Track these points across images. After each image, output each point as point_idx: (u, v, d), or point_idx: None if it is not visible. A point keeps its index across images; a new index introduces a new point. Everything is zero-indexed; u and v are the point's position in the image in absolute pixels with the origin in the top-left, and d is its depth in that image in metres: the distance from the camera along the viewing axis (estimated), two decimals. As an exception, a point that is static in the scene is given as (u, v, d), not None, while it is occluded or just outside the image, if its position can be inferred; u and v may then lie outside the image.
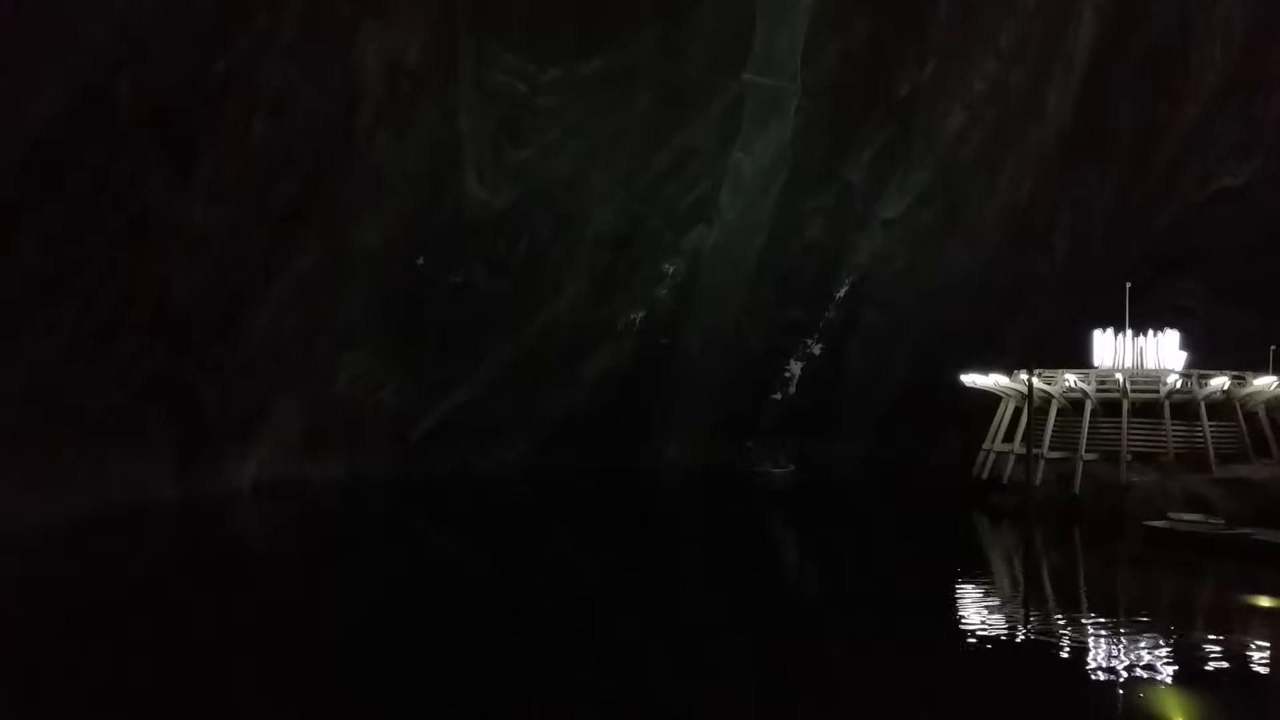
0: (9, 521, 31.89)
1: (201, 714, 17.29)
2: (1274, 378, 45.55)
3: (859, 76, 58.59)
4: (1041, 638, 22.93)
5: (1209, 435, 43.64)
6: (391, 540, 38.99)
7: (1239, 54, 61.52)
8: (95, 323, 34.94)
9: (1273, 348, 49.69)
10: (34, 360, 33.19)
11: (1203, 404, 44.14)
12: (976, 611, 26.34)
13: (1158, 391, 44.69)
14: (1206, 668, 20.14)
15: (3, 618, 24.25)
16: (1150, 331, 49.23)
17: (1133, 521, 38.75)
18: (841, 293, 66.47)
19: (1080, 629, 24.01)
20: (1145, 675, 19.64)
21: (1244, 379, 45.35)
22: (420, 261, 50.93)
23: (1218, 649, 21.66)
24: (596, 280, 57.48)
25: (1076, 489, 43.70)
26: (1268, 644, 22.33)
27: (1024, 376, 45.56)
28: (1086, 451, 44.26)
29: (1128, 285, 48.62)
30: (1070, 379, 45.55)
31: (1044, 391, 45.98)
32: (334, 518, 43.91)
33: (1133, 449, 43.99)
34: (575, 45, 50.01)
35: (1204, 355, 50.66)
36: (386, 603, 26.98)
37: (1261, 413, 46.48)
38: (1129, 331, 49.03)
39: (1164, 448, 43.93)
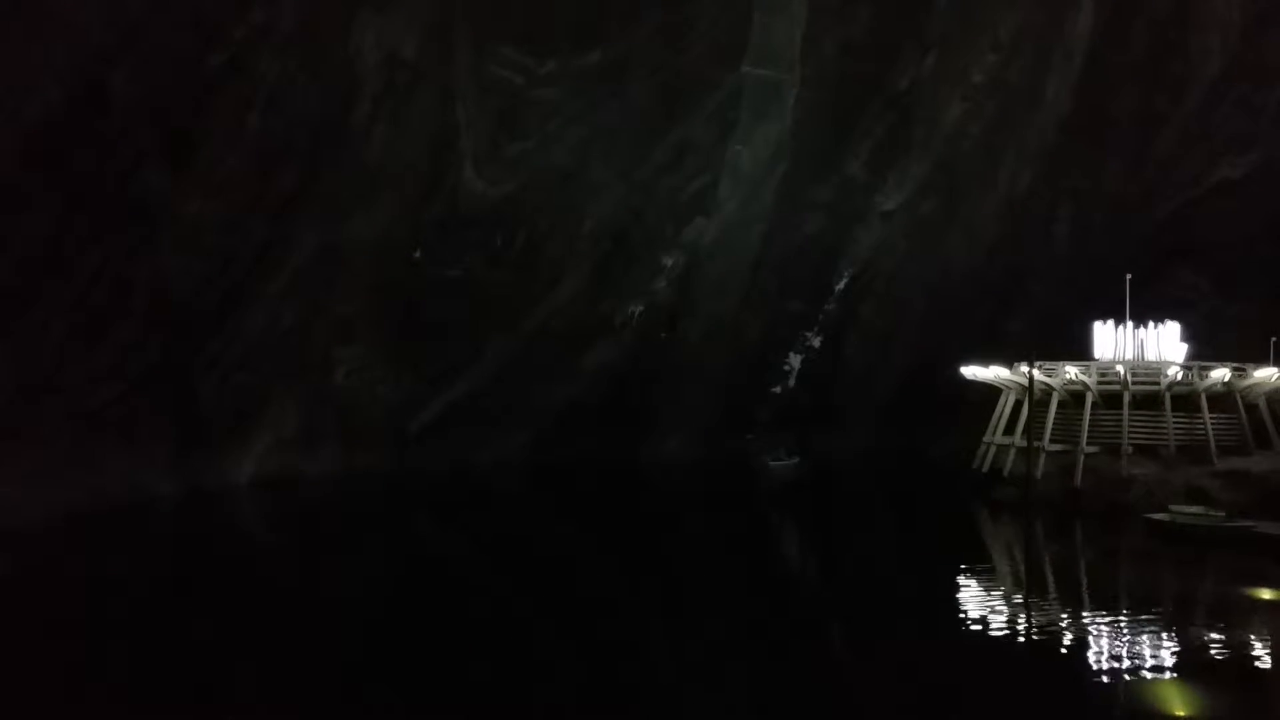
0: (5, 515, 31.74)
1: (199, 711, 17.17)
2: (1275, 369, 45.45)
3: (858, 68, 58.38)
4: (1043, 631, 22.83)
5: (1210, 427, 43.55)
6: (390, 535, 38.86)
7: (1238, 45, 61.32)
8: (91, 315, 34.76)
9: (1273, 339, 49.56)
10: (30, 353, 33.02)
11: (1203, 396, 44.04)
12: (978, 605, 26.26)
13: (1158, 383, 44.58)
14: (1208, 660, 20.04)
15: (3, 614, 24.12)
16: (1151, 323, 49.12)
17: (1134, 514, 38.67)
18: (841, 285, 66.36)
19: (1081, 621, 23.91)
20: (1147, 668, 19.55)
21: (1245, 370, 45.24)
22: (418, 254, 50.72)
23: (1219, 641, 21.56)
24: (595, 273, 57.31)
25: (1077, 481, 43.61)
26: (1269, 636, 22.24)
27: (1024, 369, 45.44)
28: (1087, 444, 44.16)
29: (1128, 277, 48.48)
30: (1071, 371, 45.44)
31: (1045, 384, 45.86)
32: (332, 512, 43.77)
33: (1134, 441, 43.90)
34: (573, 37, 49.77)
35: (1205, 347, 50.55)
36: (385, 599, 26.86)
37: (1262, 404, 46.38)
38: (1129, 323, 48.91)
39: (1165, 440, 43.83)
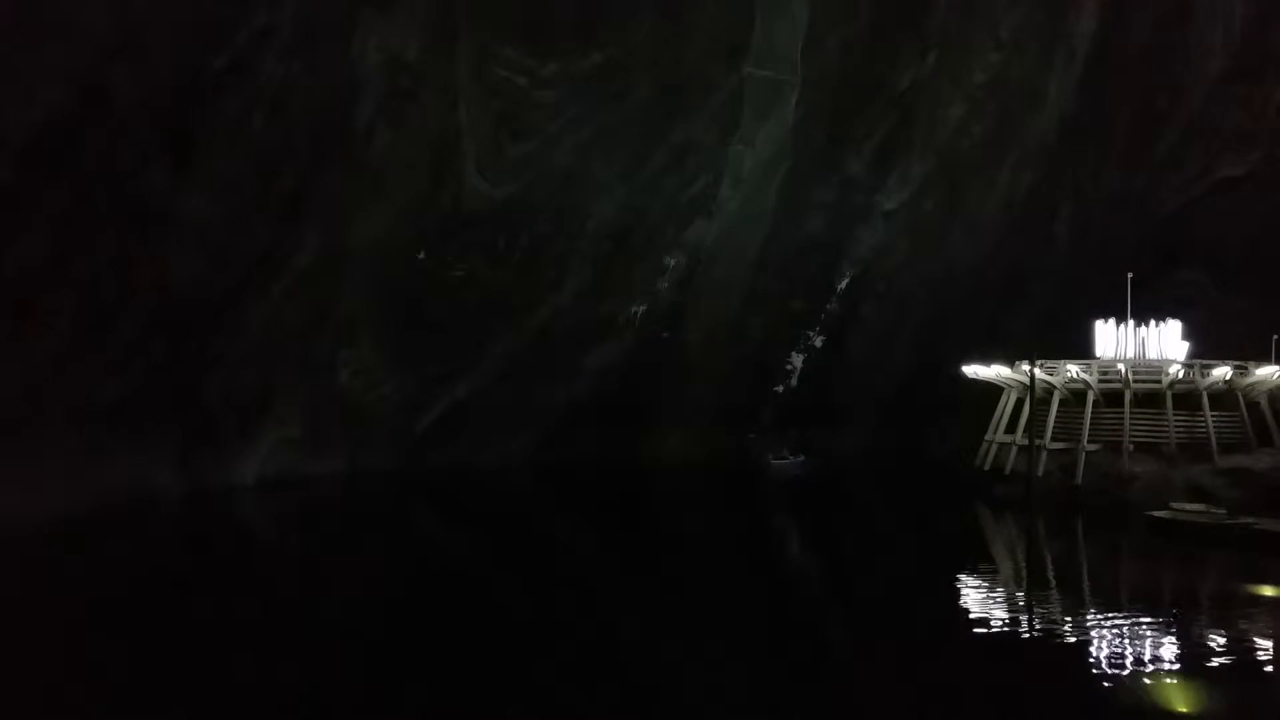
0: (9, 516, 31.89)
1: (203, 709, 17.30)
2: (1276, 367, 45.51)
3: (860, 67, 58.51)
4: (1044, 628, 22.92)
5: (1211, 425, 43.62)
6: (395, 534, 38.98)
7: (1240, 42, 61.40)
8: (95, 315, 34.93)
9: (1275, 337, 49.62)
10: (34, 352, 33.19)
11: (1205, 394, 44.12)
12: (979, 602, 26.34)
13: (1160, 381, 44.64)
14: (1209, 657, 20.11)
15: (3, 615, 24.26)
16: (1152, 321, 49.18)
17: (1135, 512, 38.71)
18: (843, 284, 66.48)
19: (1082, 619, 23.98)
20: (1148, 665, 19.63)
21: (1246, 368, 45.30)
22: (421, 255, 50.88)
23: (1220, 638, 21.63)
24: (598, 273, 57.44)
25: (1079, 479, 43.69)
26: (1271, 633, 22.31)
27: (1026, 367, 45.52)
28: (1089, 442, 44.25)
29: (1129, 275, 48.55)
30: (1072, 369, 45.52)
31: (1046, 382, 45.94)
32: (337, 512, 43.92)
33: (1135, 439, 43.98)
34: (574, 38, 49.90)
35: (1206, 345, 50.61)
36: (389, 599, 26.97)
37: (1264, 402, 46.46)
38: (1131, 322, 48.98)
39: (1166, 438, 43.90)
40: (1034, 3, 59.62)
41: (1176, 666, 19.46)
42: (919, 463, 65.07)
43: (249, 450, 46.61)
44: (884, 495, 55.22)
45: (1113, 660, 20.02)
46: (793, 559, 35.27)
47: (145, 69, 33.11)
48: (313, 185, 42.95)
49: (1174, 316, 50.13)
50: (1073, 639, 21.76)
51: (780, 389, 69.04)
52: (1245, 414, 45.48)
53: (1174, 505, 37.48)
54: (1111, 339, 49.33)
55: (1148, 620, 23.78)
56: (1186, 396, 44.69)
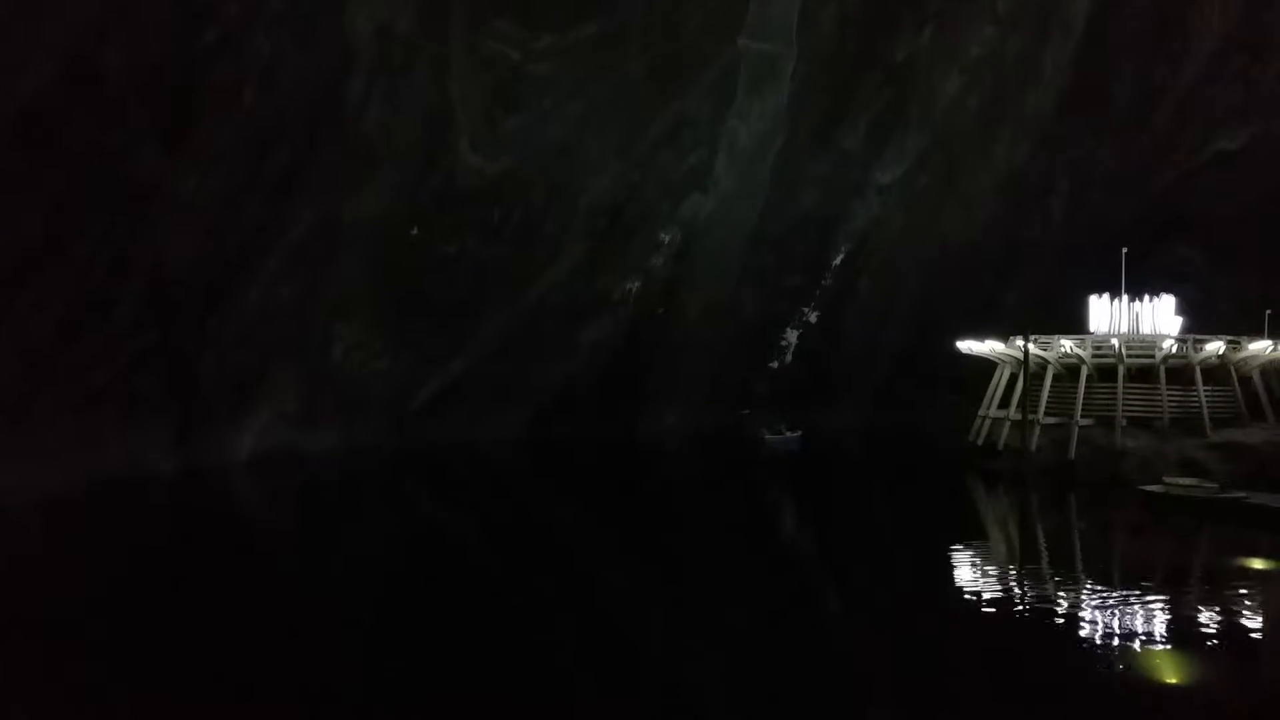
0: (5, 494, 31.89)
1: (199, 694, 17.36)
2: (1269, 342, 45.63)
3: (856, 42, 58.21)
4: (1037, 602, 23.10)
5: (1204, 400, 43.77)
6: (391, 511, 39.07)
7: (1237, 17, 61.12)
8: (89, 294, 34.78)
9: (1268, 312, 49.76)
10: (28, 332, 33.06)
11: (1198, 369, 44.24)
12: (972, 576, 26.52)
13: (1153, 356, 44.75)
14: (1201, 630, 20.30)
15: None
16: (1146, 296, 49.24)
17: (1128, 486, 38.94)
18: (838, 260, 66.44)
19: (1076, 592, 24.17)
20: (1140, 638, 19.81)
21: (1239, 343, 45.41)
22: (415, 231, 50.71)
23: (1212, 611, 21.83)
24: (592, 249, 57.33)
25: (1072, 454, 43.86)
26: (1261, 605, 22.51)
27: (1020, 342, 45.60)
28: (1082, 417, 44.39)
29: (1124, 250, 48.57)
30: (1066, 344, 45.59)
31: (1040, 357, 46.03)
32: (333, 489, 43.97)
33: (1128, 414, 44.12)
34: (568, 11, 49.54)
35: (1200, 320, 50.73)
36: (387, 577, 27.06)
37: (1256, 377, 46.61)
38: (1125, 297, 49.03)
39: (1159, 412, 44.06)
40: (1031, -24, 59.32)
41: (1166, 639, 19.65)
42: (913, 438, 65.30)
43: (244, 428, 46.60)
44: (878, 471, 55.42)
45: (1103, 632, 20.20)
46: (789, 536, 35.44)
47: (135, 44, 32.75)
48: (305, 161, 42.70)
49: (1168, 291, 50.21)
50: (1063, 611, 21.93)
51: (775, 365, 69.14)
52: (1238, 389, 45.65)
53: (1167, 479, 37.68)
54: (1105, 314, 49.39)
55: (1139, 593, 23.97)
56: (1180, 371, 44.84)
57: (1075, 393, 44.95)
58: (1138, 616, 21.37)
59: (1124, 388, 44.38)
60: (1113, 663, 18.12)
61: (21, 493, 32.67)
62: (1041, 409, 45.73)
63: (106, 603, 22.90)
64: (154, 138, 34.98)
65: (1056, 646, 19.43)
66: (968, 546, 30.67)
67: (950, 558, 28.69)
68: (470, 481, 47.60)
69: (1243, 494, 34.59)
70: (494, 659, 18.56)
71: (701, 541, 32.45)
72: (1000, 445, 47.40)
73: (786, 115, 58.89)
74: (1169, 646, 19.11)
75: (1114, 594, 23.87)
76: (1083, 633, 20.38)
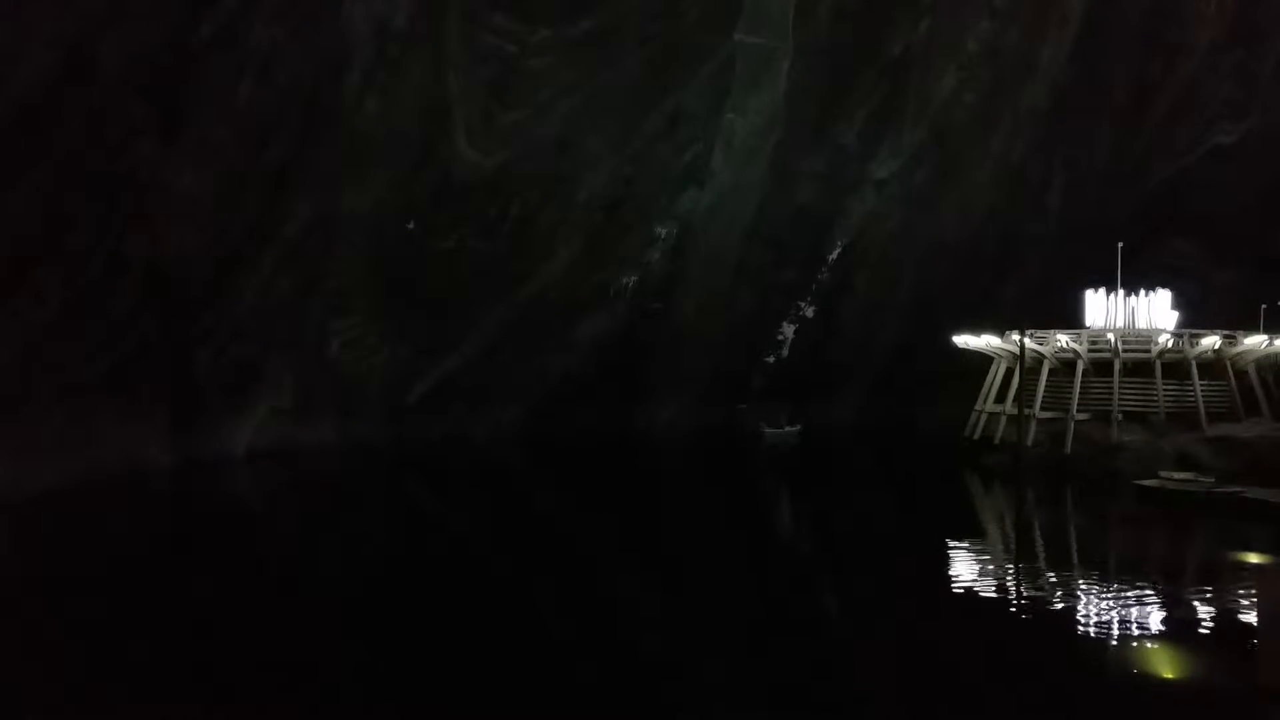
0: (1, 488, 31.85)
1: (196, 687, 17.39)
2: (1265, 337, 45.77)
3: (852, 36, 58.12)
4: (1033, 595, 23.16)
5: (1200, 394, 43.91)
6: (387, 506, 39.09)
7: (1233, 11, 61.16)
8: (85, 288, 34.70)
9: (1264, 307, 49.90)
10: (24, 325, 32.99)
11: (1194, 363, 44.38)
12: (968, 569, 26.59)
13: (1149, 351, 44.88)
14: (1195, 623, 20.38)
15: None
16: (1142, 291, 49.35)
17: (1124, 480, 39.05)
18: (835, 254, 66.42)
19: (1071, 586, 24.25)
20: (1135, 631, 19.89)
21: (1235, 338, 45.55)
22: (411, 225, 50.65)
23: (1207, 605, 21.92)
24: (589, 243, 57.28)
25: (1068, 448, 43.98)
26: (1254, 599, 22.57)
27: (1016, 337, 45.70)
28: (1078, 411, 44.52)
29: (1120, 245, 48.64)
30: (1062, 339, 45.71)
31: (1036, 352, 46.13)
32: (330, 483, 43.97)
33: (1124, 408, 44.26)
34: (564, 5, 49.43)
35: (1196, 314, 50.86)
36: (385, 574, 27.08)
37: (1252, 371, 46.75)
38: (1121, 291, 49.13)
39: (1155, 407, 44.20)
40: (1028, -30, 59.26)
41: (1161, 632, 19.72)
42: (909, 431, 65.38)
43: (240, 421, 46.57)
44: (875, 465, 55.51)
45: (1097, 625, 20.28)
46: (788, 530, 35.50)
47: (132, 36, 32.64)
48: (302, 154, 42.61)
49: (1164, 286, 50.34)
50: (1059, 605, 22.00)
51: (772, 359, 69.17)
52: (1234, 383, 45.78)
53: (1162, 474, 37.81)
54: (1101, 309, 49.51)
55: (1134, 587, 24.06)
56: (1175, 366, 44.96)
57: (1071, 387, 45.07)
58: (1132, 610, 21.45)
59: (1120, 382, 44.50)
60: (1104, 654, 18.20)
61: (18, 486, 32.63)
62: (1038, 403, 45.84)
63: (101, 598, 22.89)
64: (150, 130, 34.88)
65: (1050, 640, 19.49)
66: (963, 541, 30.74)
67: (946, 552, 28.75)
68: (467, 475, 47.60)
69: (1238, 488, 34.70)
70: (493, 658, 18.59)
71: (698, 537, 32.50)
72: (997, 440, 47.52)
73: (783, 109, 58.83)
74: (1163, 640, 19.19)
75: (1110, 588, 23.95)
76: (1077, 627, 20.45)
